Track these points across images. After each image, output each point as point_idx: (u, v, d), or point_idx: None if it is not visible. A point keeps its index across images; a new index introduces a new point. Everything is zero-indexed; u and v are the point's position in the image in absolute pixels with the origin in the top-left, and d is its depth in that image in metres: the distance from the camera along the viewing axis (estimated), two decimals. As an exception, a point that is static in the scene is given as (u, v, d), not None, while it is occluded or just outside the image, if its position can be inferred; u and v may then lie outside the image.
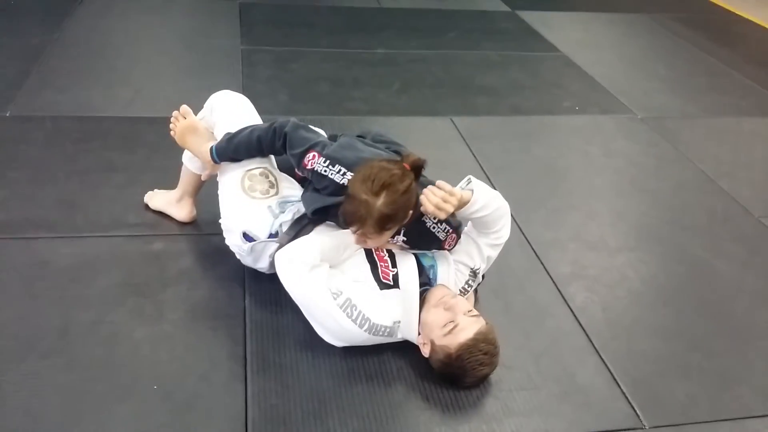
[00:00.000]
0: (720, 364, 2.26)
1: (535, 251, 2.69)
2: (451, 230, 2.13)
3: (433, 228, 2.10)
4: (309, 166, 2.09)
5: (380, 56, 4.43)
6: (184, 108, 2.38)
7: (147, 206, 2.64)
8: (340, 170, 2.04)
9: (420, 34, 4.87)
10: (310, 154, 2.09)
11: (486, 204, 2.03)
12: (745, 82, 4.61)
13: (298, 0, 5.32)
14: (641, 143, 3.67)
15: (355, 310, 1.97)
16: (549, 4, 5.94)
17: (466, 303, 2.07)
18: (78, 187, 2.74)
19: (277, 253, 2.07)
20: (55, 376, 1.94)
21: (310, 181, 2.16)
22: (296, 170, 2.21)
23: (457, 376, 2.00)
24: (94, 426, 1.81)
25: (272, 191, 2.21)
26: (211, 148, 2.23)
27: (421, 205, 1.94)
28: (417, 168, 1.96)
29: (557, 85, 4.28)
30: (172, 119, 2.38)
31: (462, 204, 1.98)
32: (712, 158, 3.56)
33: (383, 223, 1.91)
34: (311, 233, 2.12)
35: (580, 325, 2.35)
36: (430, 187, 1.94)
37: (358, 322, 1.98)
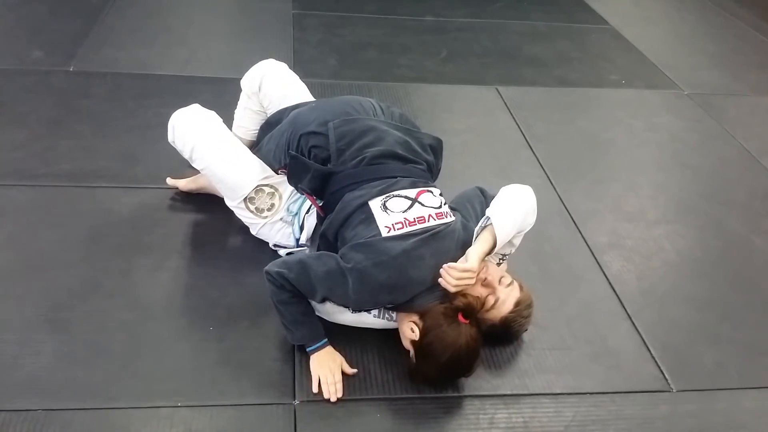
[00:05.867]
0: (750, 336, 2.32)
1: (574, 220, 2.75)
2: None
3: None
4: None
5: (428, 24, 4.47)
6: (170, 183, 2.61)
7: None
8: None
9: (468, 3, 4.87)
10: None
11: (511, 230, 2.02)
12: (795, 62, 4.55)
13: (348, -34, 5.37)
14: (686, 119, 3.68)
15: (392, 312, 2.05)
16: (599, -25, 5.88)
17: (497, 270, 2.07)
18: (138, 141, 2.89)
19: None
20: (118, 314, 2.09)
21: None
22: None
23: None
24: (154, 360, 1.96)
25: (276, 201, 2.28)
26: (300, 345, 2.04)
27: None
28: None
29: (604, 58, 4.28)
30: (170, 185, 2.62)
31: (487, 253, 1.97)
32: (756, 136, 3.55)
33: None
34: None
35: (615, 291, 2.43)
36: (443, 269, 1.90)
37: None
